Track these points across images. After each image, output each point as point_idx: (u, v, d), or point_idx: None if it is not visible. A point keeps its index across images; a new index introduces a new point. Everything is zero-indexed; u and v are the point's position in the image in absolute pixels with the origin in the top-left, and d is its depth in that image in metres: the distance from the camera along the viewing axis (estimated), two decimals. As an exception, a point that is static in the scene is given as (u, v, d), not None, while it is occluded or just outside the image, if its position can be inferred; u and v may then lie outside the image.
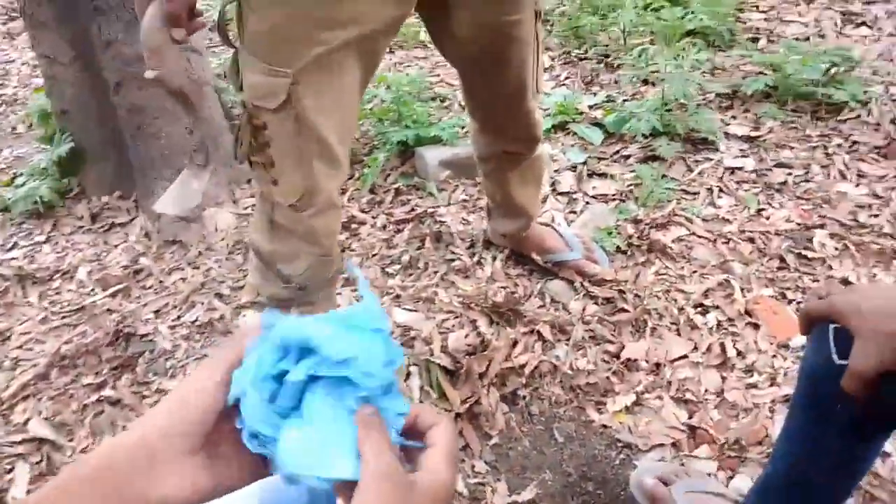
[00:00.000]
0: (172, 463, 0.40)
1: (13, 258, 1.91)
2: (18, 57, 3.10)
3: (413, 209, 1.83)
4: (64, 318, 1.70)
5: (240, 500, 0.62)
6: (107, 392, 1.48)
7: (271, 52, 0.91)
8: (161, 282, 1.75)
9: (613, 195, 1.81)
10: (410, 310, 1.55)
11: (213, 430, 0.43)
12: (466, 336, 1.46)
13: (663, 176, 1.81)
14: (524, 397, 1.38)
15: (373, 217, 1.85)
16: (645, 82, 2.22)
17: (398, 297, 1.60)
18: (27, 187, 2.05)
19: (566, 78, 2.35)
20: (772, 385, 1.31)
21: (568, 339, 1.45)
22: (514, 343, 1.44)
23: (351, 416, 0.43)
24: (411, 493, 0.41)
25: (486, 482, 1.24)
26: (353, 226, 1.83)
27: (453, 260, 1.67)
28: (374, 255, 1.73)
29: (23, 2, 1.85)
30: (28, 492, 1.31)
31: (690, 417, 1.28)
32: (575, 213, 1.79)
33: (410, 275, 1.66)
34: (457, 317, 1.52)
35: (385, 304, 1.59)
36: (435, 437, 0.46)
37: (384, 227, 1.81)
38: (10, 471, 1.35)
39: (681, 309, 1.48)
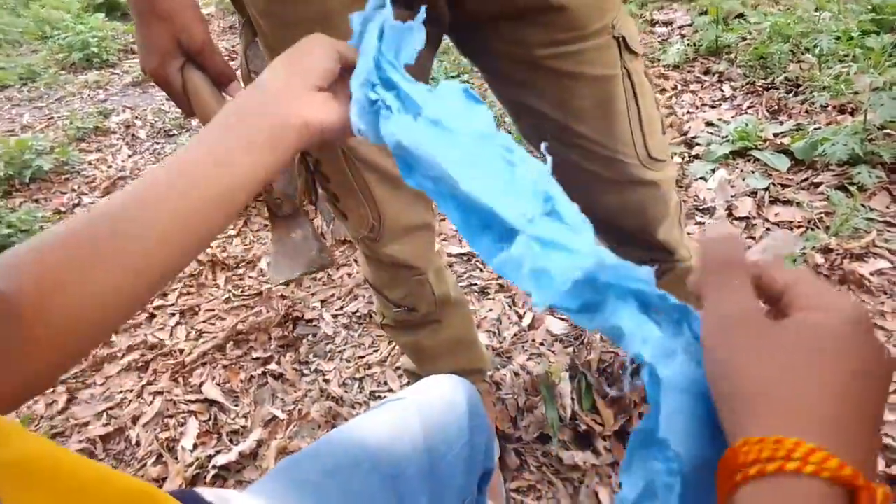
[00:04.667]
0: (304, 95, 0.49)
1: (209, 247, 2.14)
2: (233, 87, 3.55)
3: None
4: (244, 300, 1.86)
5: (401, 415, 0.67)
6: (272, 367, 1.59)
7: None
8: (329, 275, 1.87)
9: (799, 223, 1.64)
10: (562, 318, 1.50)
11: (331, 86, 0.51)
12: (631, 362, 1.38)
13: (862, 206, 1.62)
14: (682, 423, 1.26)
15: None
16: (841, 111, 2.02)
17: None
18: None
19: (749, 107, 2.21)
20: None
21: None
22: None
23: None
24: (784, 339, 0.30)
25: None
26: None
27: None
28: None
29: (240, 24, 2.12)
30: (195, 445, 1.43)
31: (889, 466, 1.09)
32: (753, 238, 1.64)
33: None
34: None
35: (538, 313, 1.56)
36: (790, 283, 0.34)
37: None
38: (183, 424, 1.48)
39: (879, 346, 1.29)
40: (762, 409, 0.29)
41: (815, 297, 0.31)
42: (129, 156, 2.93)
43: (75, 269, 0.40)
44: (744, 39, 2.54)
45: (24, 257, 0.40)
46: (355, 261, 1.89)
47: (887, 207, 1.63)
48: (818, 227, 1.61)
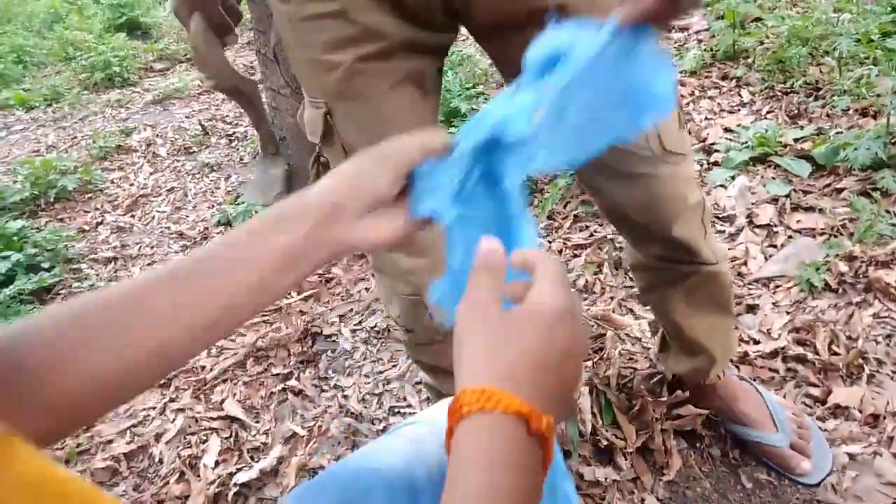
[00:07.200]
0: (351, 219, 0.51)
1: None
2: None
3: (592, 234, 1.79)
4: (264, 315, 1.87)
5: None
6: (291, 383, 1.60)
7: (307, 84, 0.87)
8: (348, 290, 1.87)
9: (822, 229, 1.61)
10: (583, 331, 1.49)
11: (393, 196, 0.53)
12: (650, 378, 1.35)
13: (886, 211, 1.58)
14: (703, 437, 1.24)
15: (549, 241, 1.83)
16: (863, 114, 1.98)
17: (571, 319, 1.55)
18: (246, 205, 2.33)
19: (768, 112, 2.18)
20: None
21: (760, 379, 1.29)
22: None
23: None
24: (500, 322, 0.42)
25: (657, 518, 1.12)
26: (530, 249, 1.82)
27: (633, 286, 1.59)
28: (548, 278, 1.70)
29: (257, 42, 2.15)
30: (217, 463, 1.44)
31: (918, 484, 1.06)
32: (775, 246, 1.62)
33: (586, 298, 1.60)
34: (634, 341, 1.43)
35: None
36: (537, 271, 0.45)
37: (560, 251, 1.78)
38: (205, 441, 1.49)
39: (907, 356, 1.26)
40: (475, 368, 0.40)
41: (538, 291, 0.43)
42: (151, 173, 2.98)
43: (81, 348, 0.43)
44: (761, 43, 2.51)
45: (43, 324, 0.43)
46: (372, 275, 1.90)
47: (913, 212, 1.60)
48: (842, 234, 1.58)
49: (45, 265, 2.24)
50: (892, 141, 1.73)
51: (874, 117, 1.95)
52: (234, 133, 3.24)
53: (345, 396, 1.54)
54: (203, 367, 1.72)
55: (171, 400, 1.64)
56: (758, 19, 2.71)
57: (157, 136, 3.37)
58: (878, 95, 1.97)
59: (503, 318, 0.42)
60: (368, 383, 1.56)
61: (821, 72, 2.25)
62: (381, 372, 1.59)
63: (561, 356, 0.41)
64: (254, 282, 0.48)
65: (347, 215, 0.51)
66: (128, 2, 5.27)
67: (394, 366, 1.60)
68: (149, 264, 2.29)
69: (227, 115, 3.44)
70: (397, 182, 0.52)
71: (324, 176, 0.91)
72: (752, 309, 1.47)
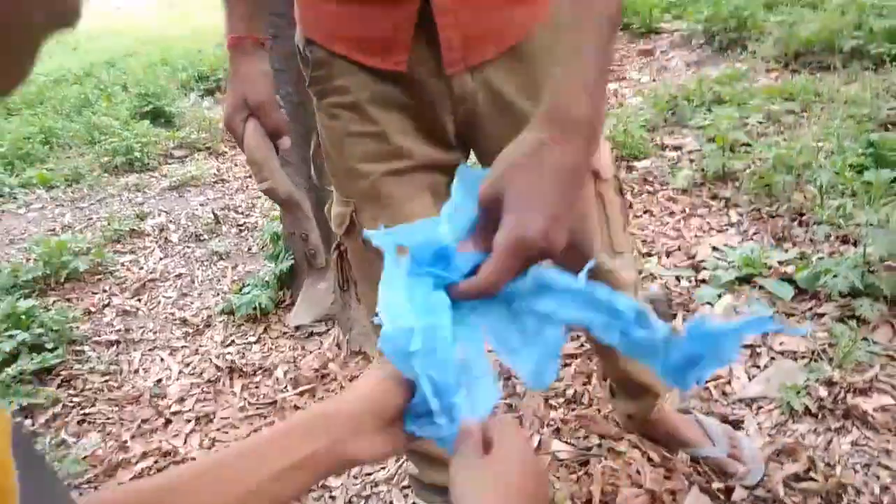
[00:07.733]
0: (366, 435, 0.56)
1: (228, 353, 2.21)
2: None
3: (582, 345, 1.85)
4: (258, 409, 1.90)
5: None
6: (280, 480, 1.61)
7: (339, 184, 1.02)
8: (342, 386, 1.91)
9: (803, 353, 1.67)
10: (568, 443, 1.52)
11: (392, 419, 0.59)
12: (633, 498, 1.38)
13: (864, 339, 1.65)
14: (687, 560, 1.26)
15: (541, 350, 1.89)
16: (844, 241, 2.09)
17: (558, 430, 1.58)
18: (250, 295, 2.41)
19: (755, 233, 2.29)
20: None
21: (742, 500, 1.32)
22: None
23: None
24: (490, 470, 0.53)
25: None
26: (522, 356, 1.88)
27: (619, 400, 1.63)
28: (538, 387, 1.74)
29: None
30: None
31: None
32: (758, 367, 1.67)
33: (573, 409, 1.64)
34: (616, 457, 1.46)
35: (545, 436, 1.58)
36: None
37: (552, 360, 1.84)
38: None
39: (885, 488, 1.29)
40: None
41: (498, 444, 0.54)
42: (161, 258, 3.08)
43: None
44: (749, 167, 2.66)
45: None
46: (368, 374, 1.94)
47: (890, 341, 1.66)
48: (822, 359, 1.64)
49: (49, 345, 2.29)
50: (870, 270, 1.82)
51: (854, 244, 2.05)
52: (245, 223, 3.37)
53: (332, 497, 1.55)
54: (194, 459, 1.73)
55: (160, 491, 1.64)
56: (746, 144, 2.88)
57: (171, 221, 3.50)
58: (858, 224, 2.07)
59: (488, 464, 0.53)
60: (356, 485, 1.58)
61: (804, 198, 2.38)
62: (369, 473, 1.61)
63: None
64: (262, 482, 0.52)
65: (365, 431, 0.55)
66: (155, 91, 5.57)
67: (382, 468, 1.62)
68: (150, 350, 2.33)
69: (239, 206, 3.58)
70: (407, 399, 0.57)
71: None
72: (736, 428, 1.51)
